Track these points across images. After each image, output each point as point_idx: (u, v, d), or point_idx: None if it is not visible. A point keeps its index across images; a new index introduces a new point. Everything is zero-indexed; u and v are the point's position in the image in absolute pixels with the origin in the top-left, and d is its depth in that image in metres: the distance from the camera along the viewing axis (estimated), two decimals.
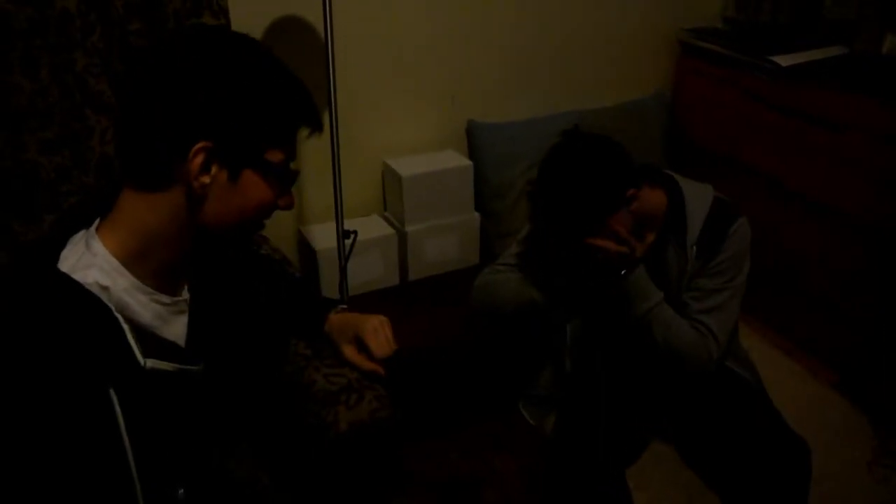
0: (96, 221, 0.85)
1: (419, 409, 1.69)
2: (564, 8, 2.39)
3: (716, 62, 2.45)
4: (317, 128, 0.91)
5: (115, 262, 0.82)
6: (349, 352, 1.20)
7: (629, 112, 2.54)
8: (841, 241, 2.08)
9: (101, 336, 0.79)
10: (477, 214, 2.36)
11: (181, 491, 0.91)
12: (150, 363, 0.84)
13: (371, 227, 2.23)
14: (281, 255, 1.55)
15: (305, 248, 2.21)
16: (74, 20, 1.29)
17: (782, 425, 1.48)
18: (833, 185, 2.07)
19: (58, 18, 1.28)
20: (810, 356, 2.17)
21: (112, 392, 0.78)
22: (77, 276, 0.79)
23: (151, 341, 0.86)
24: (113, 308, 0.80)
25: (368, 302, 2.16)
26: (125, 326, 0.82)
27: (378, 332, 1.18)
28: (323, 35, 1.69)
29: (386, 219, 2.32)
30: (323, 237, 2.13)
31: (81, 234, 0.85)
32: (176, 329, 0.92)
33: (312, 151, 1.96)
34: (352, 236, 1.85)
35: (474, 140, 2.36)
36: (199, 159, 0.79)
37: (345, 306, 1.27)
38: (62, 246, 0.83)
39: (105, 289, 0.80)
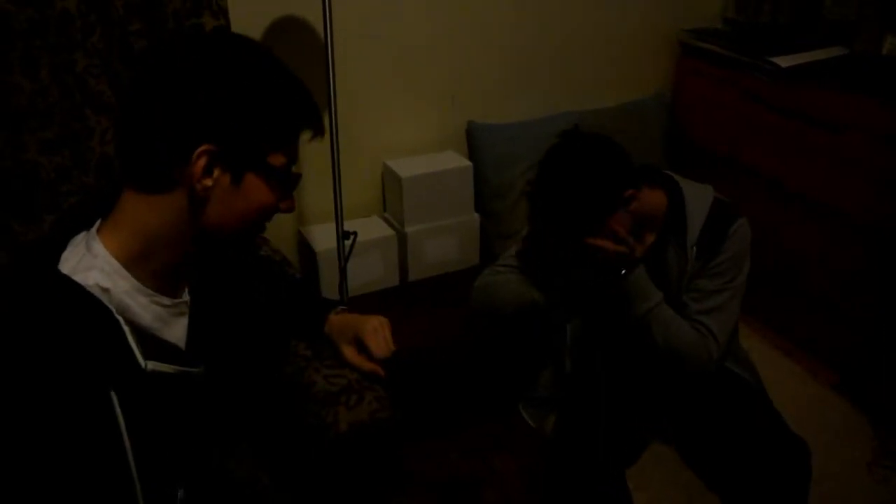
0: (97, 223, 0.85)
1: (419, 409, 1.69)
2: (564, 8, 2.39)
3: (716, 63, 2.45)
4: (319, 131, 0.91)
5: (115, 264, 0.82)
6: (349, 352, 1.20)
7: (629, 113, 2.54)
8: (841, 242, 2.08)
9: (102, 338, 0.79)
10: (477, 215, 2.36)
11: (181, 491, 0.91)
12: (151, 365, 0.84)
13: (371, 228, 2.23)
14: (281, 256, 1.56)
15: (305, 249, 2.21)
16: (75, 21, 1.29)
17: (782, 426, 1.48)
18: (833, 185, 2.07)
19: (58, 19, 1.28)
20: (810, 357, 2.17)
21: (113, 394, 0.78)
22: (78, 278, 0.79)
23: (152, 343, 0.86)
24: (114, 310, 0.80)
25: (368, 303, 2.16)
26: (126, 328, 0.82)
27: (378, 333, 1.18)
28: (323, 35, 1.69)
29: (386, 220, 2.32)
30: (323, 238, 2.13)
31: (82, 235, 0.85)
32: (176, 331, 0.92)
33: (312, 152, 1.96)
34: (352, 237, 1.85)
35: (474, 141, 2.36)
36: (202, 162, 0.79)
37: (345, 307, 1.27)
38: (63, 247, 0.83)
39: (106, 291, 0.80)
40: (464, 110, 2.37)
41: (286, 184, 0.89)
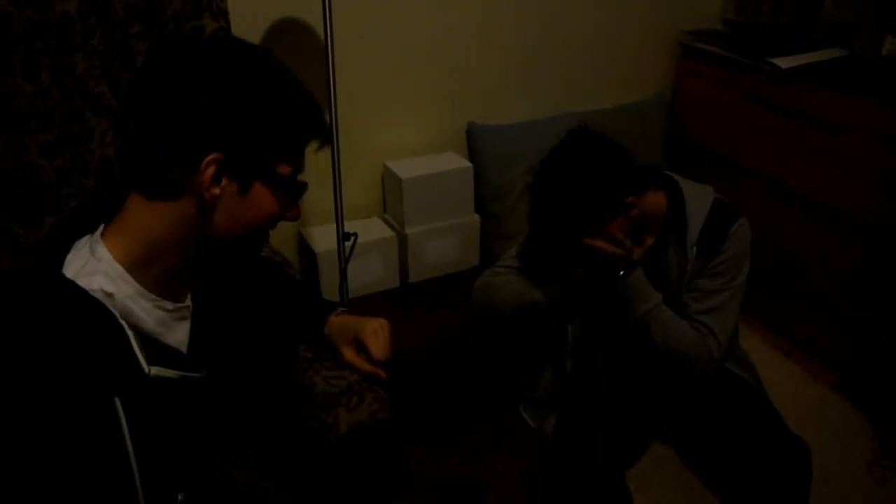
0: (101, 227, 0.85)
1: (419, 411, 1.70)
2: (564, 9, 2.39)
3: (716, 64, 2.45)
4: (326, 142, 0.92)
5: (119, 269, 0.82)
6: (349, 354, 1.21)
7: (629, 113, 2.54)
8: (841, 242, 2.08)
9: (107, 343, 0.79)
10: (477, 216, 2.36)
11: (181, 495, 0.91)
12: (155, 370, 0.84)
13: (371, 230, 2.23)
14: (281, 258, 1.56)
15: (305, 251, 2.21)
16: (75, 23, 1.30)
17: (782, 426, 1.48)
18: (833, 186, 2.07)
19: (58, 21, 1.28)
20: (810, 357, 2.17)
21: (117, 400, 0.78)
22: (82, 283, 0.79)
23: (154, 348, 0.86)
24: (118, 315, 0.81)
25: (368, 304, 2.16)
26: (130, 333, 0.82)
27: (378, 335, 1.18)
28: (323, 37, 1.69)
29: (386, 221, 2.32)
30: (323, 239, 2.13)
31: (86, 239, 0.85)
32: (179, 335, 0.92)
33: (312, 154, 1.96)
34: (352, 238, 1.85)
35: (474, 142, 2.36)
36: (211, 171, 0.79)
37: (345, 309, 1.27)
38: (66, 250, 0.83)
39: (109, 295, 0.80)
40: (464, 111, 2.37)
41: (293, 193, 0.90)
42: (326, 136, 0.92)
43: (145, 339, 0.85)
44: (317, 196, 2.14)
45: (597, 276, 1.48)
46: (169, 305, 0.88)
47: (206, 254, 0.88)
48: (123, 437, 0.78)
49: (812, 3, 2.35)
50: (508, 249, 1.70)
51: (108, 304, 0.80)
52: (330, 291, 2.07)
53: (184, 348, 0.93)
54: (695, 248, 1.47)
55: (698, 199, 1.51)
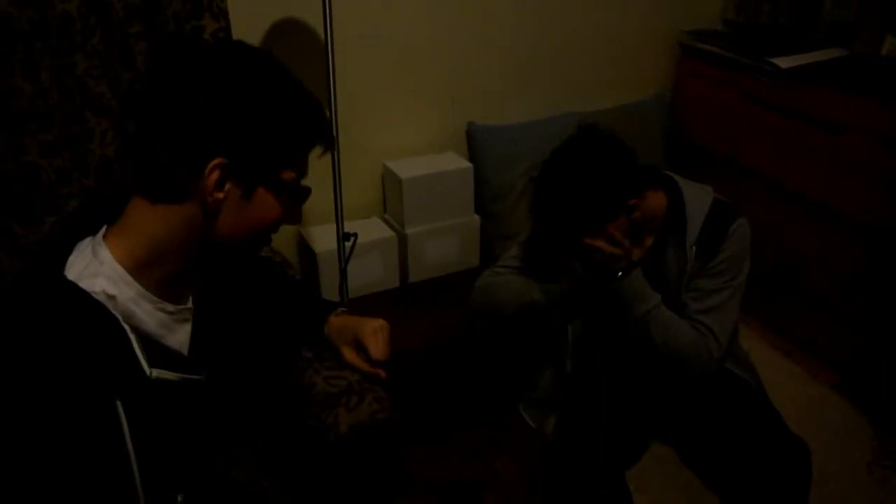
0: (103, 228, 0.85)
1: (419, 411, 1.69)
2: (564, 9, 2.39)
3: (716, 64, 2.45)
4: (330, 147, 0.92)
5: (121, 271, 0.82)
6: (349, 354, 1.21)
7: (629, 113, 2.54)
8: (841, 242, 2.08)
9: (108, 346, 0.80)
10: (477, 216, 2.36)
11: (180, 496, 0.91)
12: (156, 373, 0.84)
13: (371, 230, 2.23)
14: (281, 258, 1.56)
15: (305, 251, 2.21)
16: (75, 23, 1.30)
17: (782, 426, 1.48)
18: (833, 186, 2.07)
19: (58, 21, 1.28)
20: (810, 357, 2.17)
21: (118, 403, 0.78)
22: (84, 285, 0.79)
23: (155, 350, 0.87)
24: (120, 318, 0.81)
25: (368, 304, 2.16)
26: (131, 336, 0.82)
27: (377, 335, 1.18)
28: (323, 37, 1.69)
29: (386, 221, 2.32)
30: (323, 239, 2.13)
31: (88, 240, 0.85)
32: (180, 337, 0.92)
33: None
34: (352, 238, 1.85)
35: (474, 142, 2.36)
36: (215, 176, 0.80)
37: (345, 309, 1.27)
38: (68, 252, 0.83)
39: (111, 298, 0.80)
40: (464, 111, 2.37)
41: (296, 198, 0.90)
42: (330, 141, 0.92)
43: (146, 341, 0.85)
44: (317, 196, 2.12)
45: (596, 276, 1.48)
46: (170, 307, 0.88)
47: (208, 256, 0.88)
48: (124, 438, 0.78)
49: (812, 3, 2.35)
50: (509, 249, 1.70)
51: (110, 307, 0.80)
52: (330, 291, 2.07)
53: (185, 350, 0.93)
54: (694, 247, 1.47)
55: (698, 198, 1.51)
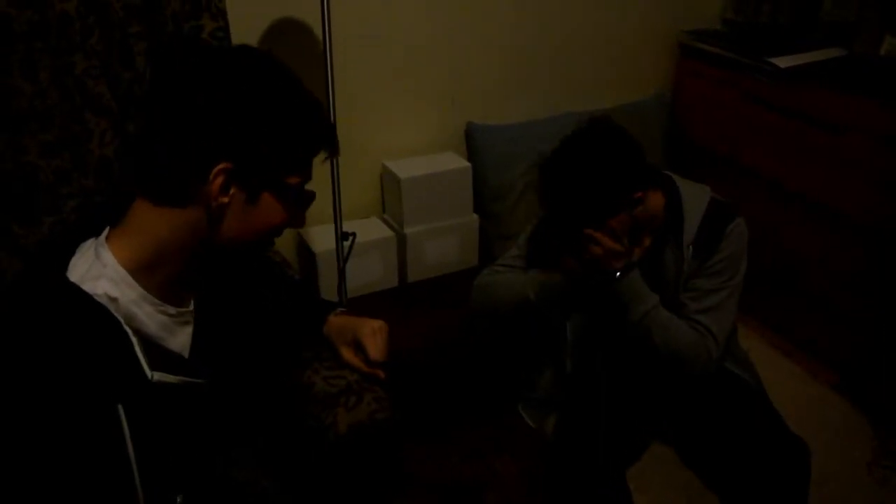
0: (106, 230, 0.85)
1: (419, 411, 1.69)
2: (564, 9, 2.39)
3: (715, 64, 2.45)
4: (335, 152, 0.92)
5: (123, 273, 0.82)
6: (347, 354, 1.21)
7: (629, 113, 2.54)
8: (841, 242, 2.08)
9: (110, 349, 0.80)
10: (476, 216, 2.36)
11: (180, 498, 0.91)
12: (157, 376, 0.84)
13: (370, 230, 2.23)
14: (280, 258, 1.55)
15: (304, 251, 2.21)
16: (74, 23, 1.29)
17: (782, 426, 1.48)
18: (833, 186, 2.07)
19: (57, 21, 1.28)
20: (810, 357, 2.17)
21: (119, 407, 0.78)
22: (86, 287, 0.79)
23: (156, 352, 0.87)
24: (122, 320, 0.81)
25: (367, 304, 2.16)
26: (133, 339, 0.82)
27: (376, 336, 1.18)
28: (321, 37, 1.69)
29: (385, 221, 2.32)
30: (322, 239, 2.13)
31: (90, 242, 0.85)
32: (181, 340, 0.92)
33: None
34: (351, 238, 1.85)
35: (473, 142, 2.36)
36: (220, 180, 0.80)
37: (344, 309, 1.27)
38: (70, 253, 0.83)
39: (114, 300, 0.80)
40: (463, 111, 2.37)
41: (300, 203, 0.91)
42: (336, 147, 0.92)
43: (148, 343, 0.85)
44: (316, 196, 2.15)
45: (594, 275, 1.48)
46: (172, 310, 0.88)
47: (210, 259, 0.88)
48: (125, 441, 0.78)
49: (811, 3, 2.35)
50: (509, 249, 1.70)
51: (112, 309, 0.80)
52: (329, 291, 2.07)
53: (185, 353, 0.93)
54: (691, 247, 1.47)
55: (695, 198, 1.51)
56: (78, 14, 1.30)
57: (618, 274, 1.44)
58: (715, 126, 2.49)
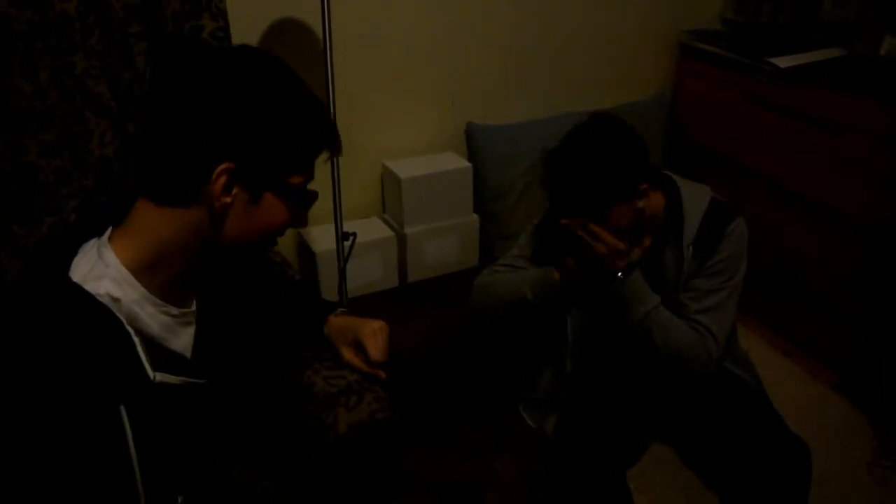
0: (108, 230, 0.85)
1: (419, 411, 1.69)
2: (564, 9, 2.39)
3: (715, 64, 2.45)
4: (337, 152, 0.92)
5: (126, 273, 0.82)
6: (348, 354, 1.21)
7: (629, 113, 2.53)
8: (841, 242, 2.08)
9: (113, 349, 0.80)
10: (476, 216, 2.36)
11: (180, 498, 0.91)
12: (160, 377, 0.84)
13: (370, 230, 2.23)
14: (280, 258, 1.56)
15: (304, 251, 2.21)
16: (74, 23, 1.29)
17: (782, 426, 1.48)
18: (833, 186, 2.07)
19: (57, 21, 1.28)
20: (810, 357, 2.17)
21: (122, 408, 0.78)
22: (89, 287, 0.79)
23: (159, 353, 0.87)
24: (124, 321, 0.81)
25: (367, 304, 2.16)
26: (136, 339, 0.82)
27: (377, 336, 1.18)
28: (322, 37, 1.69)
29: (385, 221, 2.32)
30: (322, 239, 2.13)
31: (93, 241, 0.85)
32: (183, 340, 0.92)
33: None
34: (351, 238, 1.85)
35: (474, 142, 2.36)
36: (222, 180, 0.80)
37: (344, 309, 1.27)
38: (73, 253, 0.83)
39: (116, 300, 0.80)
40: (463, 111, 2.37)
41: (303, 202, 0.90)
42: (339, 146, 0.92)
43: (150, 344, 0.85)
44: (318, 195, 2.15)
45: (596, 274, 1.48)
46: (174, 311, 0.88)
47: (212, 259, 0.88)
48: (127, 442, 0.78)
49: (811, 3, 2.35)
50: (510, 249, 1.70)
51: (114, 309, 0.80)
52: (329, 291, 2.07)
53: (187, 353, 0.93)
54: (691, 247, 1.47)
55: (695, 198, 1.51)
56: (78, 14, 1.30)
57: (619, 274, 1.44)
58: (715, 126, 2.49)
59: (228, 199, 0.81)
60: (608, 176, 1.37)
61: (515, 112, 2.43)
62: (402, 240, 2.25)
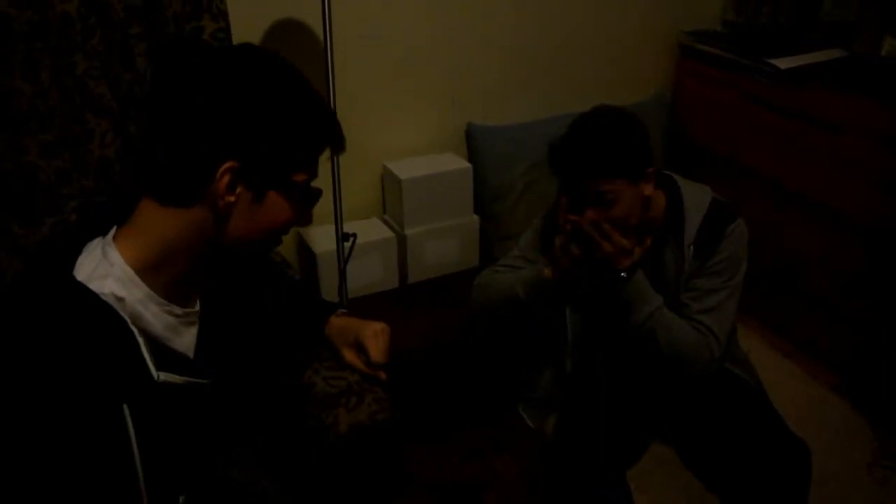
0: (113, 229, 0.85)
1: (419, 411, 1.69)
2: (564, 9, 2.39)
3: (715, 64, 2.45)
4: (341, 149, 0.92)
5: (130, 273, 0.82)
6: (349, 355, 1.21)
7: None
8: (841, 243, 2.08)
9: (117, 349, 0.80)
10: (476, 217, 2.36)
11: (182, 498, 0.91)
12: (163, 377, 0.84)
13: (370, 230, 2.23)
14: (280, 258, 1.56)
15: (305, 251, 2.21)
16: (75, 23, 1.29)
17: (782, 427, 1.48)
18: (833, 186, 2.07)
19: (58, 22, 1.28)
20: (810, 358, 2.17)
21: (125, 408, 0.78)
22: (93, 286, 0.79)
23: (162, 353, 0.87)
24: (128, 320, 0.81)
25: (368, 305, 2.16)
26: (140, 339, 0.82)
27: (378, 338, 1.18)
28: (322, 37, 1.70)
29: (385, 222, 2.32)
30: (322, 240, 2.13)
31: (97, 241, 0.85)
32: (186, 340, 0.92)
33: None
34: (351, 239, 1.85)
35: (474, 142, 2.36)
36: (226, 179, 0.80)
37: (345, 310, 1.27)
38: (77, 252, 0.83)
39: (120, 300, 0.80)
40: (463, 112, 2.37)
41: (307, 201, 0.90)
42: (342, 143, 0.92)
43: (153, 343, 0.85)
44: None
45: (601, 274, 1.47)
46: (178, 310, 0.88)
47: (216, 259, 0.88)
48: (130, 442, 0.78)
49: (812, 3, 2.35)
50: (510, 249, 1.70)
51: (119, 308, 0.80)
52: (329, 292, 2.07)
53: (190, 353, 0.93)
54: (692, 247, 1.47)
55: (696, 198, 1.51)
56: (79, 15, 1.30)
57: (622, 274, 1.44)
58: (715, 126, 2.49)
59: (232, 199, 0.81)
60: (620, 139, 1.39)
61: (515, 112, 2.43)
62: (402, 240, 2.25)
